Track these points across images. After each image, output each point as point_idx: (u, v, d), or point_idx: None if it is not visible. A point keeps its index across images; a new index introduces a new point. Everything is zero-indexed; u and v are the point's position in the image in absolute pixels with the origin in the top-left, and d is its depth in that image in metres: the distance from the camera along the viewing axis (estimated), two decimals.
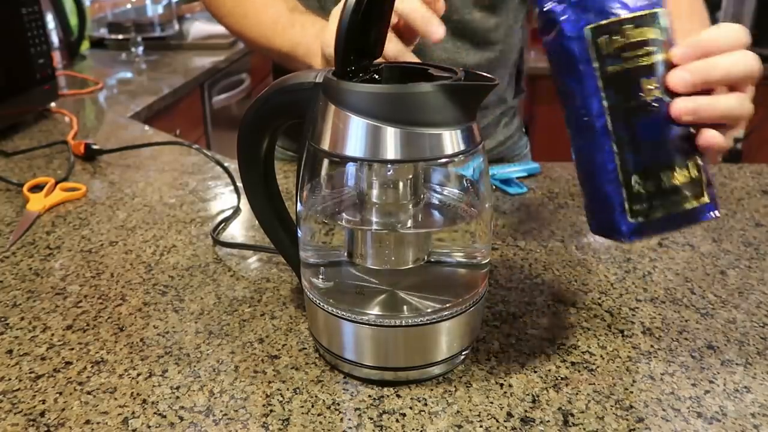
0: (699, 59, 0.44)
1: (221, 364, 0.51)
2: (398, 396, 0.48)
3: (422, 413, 0.46)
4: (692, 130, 0.45)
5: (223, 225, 0.76)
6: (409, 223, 0.49)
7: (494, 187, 0.86)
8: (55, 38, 1.79)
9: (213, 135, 2.01)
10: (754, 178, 0.90)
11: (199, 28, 2.23)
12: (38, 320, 0.57)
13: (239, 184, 0.83)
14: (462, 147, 0.44)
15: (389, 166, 0.47)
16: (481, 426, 0.45)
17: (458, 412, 0.46)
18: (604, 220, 0.46)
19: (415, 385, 0.49)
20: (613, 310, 0.59)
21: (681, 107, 0.43)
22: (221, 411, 0.46)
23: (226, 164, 0.89)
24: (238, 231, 0.76)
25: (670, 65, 0.44)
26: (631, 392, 0.48)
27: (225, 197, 0.84)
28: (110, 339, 0.55)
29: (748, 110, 0.47)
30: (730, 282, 0.63)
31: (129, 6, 2.19)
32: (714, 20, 2.44)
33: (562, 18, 0.43)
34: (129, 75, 1.78)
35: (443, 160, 0.46)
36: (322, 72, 0.46)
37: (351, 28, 0.44)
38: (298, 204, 0.50)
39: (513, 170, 0.89)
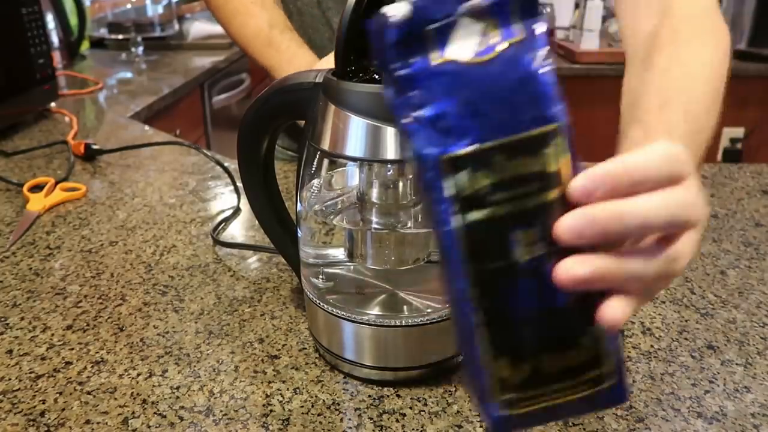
0: (606, 198, 0.29)
1: (221, 364, 0.51)
2: (398, 396, 0.48)
3: (422, 413, 0.46)
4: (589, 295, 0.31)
5: (223, 225, 0.76)
6: (409, 223, 0.49)
7: None
8: (55, 38, 1.79)
9: (213, 135, 2.00)
10: (754, 178, 0.90)
11: (199, 28, 2.23)
12: (38, 320, 0.57)
13: (239, 184, 0.83)
14: None
15: (389, 166, 0.47)
16: (481, 426, 0.45)
17: (458, 412, 0.46)
18: (475, 402, 0.34)
19: (415, 385, 0.49)
20: None
21: (568, 273, 0.29)
22: (221, 411, 0.46)
23: (226, 164, 0.89)
24: (238, 231, 0.76)
25: (560, 209, 0.29)
26: (631, 392, 0.48)
27: (225, 197, 0.84)
28: (110, 339, 0.55)
29: (681, 267, 0.32)
30: (730, 282, 0.63)
31: (129, 6, 2.19)
32: None
33: (416, 140, 0.30)
34: (129, 75, 1.78)
35: None
36: (322, 72, 0.46)
37: (351, 28, 0.44)
38: (298, 204, 0.50)
39: None
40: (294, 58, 0.76)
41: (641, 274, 0.30)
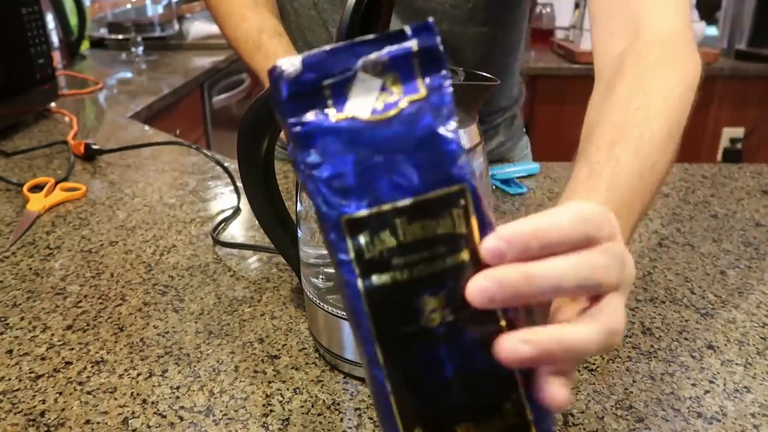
0: (518, 260, 0.28)
1: (221, 364, 0.51)
2: None
3: None
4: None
5: (223, 225, 0.76)
6: None
7: (494, 187, 0.86)
8: (55, 38, 1.79)
9: (213, 135, 2.01)
10: (754, 178, 0.90)
11: (199, 28, 2.23)
12: (38, 320, 0.57)
13: (239, 184, 0.83)
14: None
15: None
16: None
17: None
18: None
19: None
20: None
21: (513, 353, 0.27)
22: (221, 411, 0.46)
23: (226, 164, 0.89)
24: (238, 231, 0.76)
25: (472, 270, 0.28)
26: (631, 392, 0.48)
27: (225, 197, 0.84)
28: (110, 339, 0.55)
29: (616, 334, 0.30)
30: (730, 282, 0.63)
31: (129, 6, 2.19)
32: (713, 20, 2.45)
33: (315, 199, 0.28)
34: (129, 75, 1.78)
35: None
36: None
37: (351, 27, 0.44)
38: (298, 204, 0.50)
39: (513, 170, 0.89)
40: None
41: (584, 348, 0.29)
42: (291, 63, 0.28)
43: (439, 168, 0.28)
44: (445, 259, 0.28)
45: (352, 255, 0.28)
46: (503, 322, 0.28)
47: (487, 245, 0.28)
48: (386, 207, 0.28)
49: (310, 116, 0.28)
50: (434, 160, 0.28)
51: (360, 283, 0.28)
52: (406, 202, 0.28)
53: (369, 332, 0.29)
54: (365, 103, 0.28)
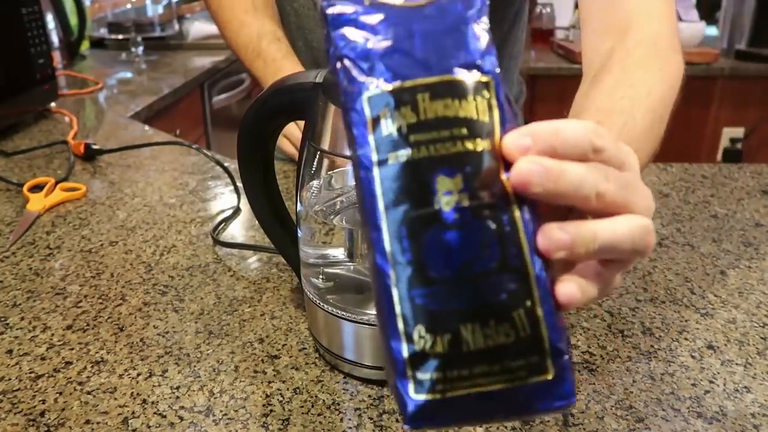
0: (543, 155, 0.28)
1: (221, 364, 0.51)
2: None
3: None
4: (526, 256, 0.27)
5: (223, 225, 0.76)
6: None
7: None
8: (55, 38, 1.79)
9: (213, 135, 2.01)
10: (754, 178, 0.90)
11: (199, 28, 2.23)
12: (38, 320, 0.57)
13: (239, 184, 0.83)
14: None
15: None
16: (481, 426, 0.45)
17: None
18: (390, 384, 0.28)
19: None
20: (613, 310, 0.59)
21: (550, 239, 0.27)
22: (221, 411, 0.46)
23: (226, 164, 0.89)
24: (238, 231, 0.76)
25: (490, 162, 0.28)
26: (631, 392, 0.48)
27: (225, 197, 0.84)
28: (110, 339, 0.55)
29: (648, 235, 0.30)
30: (730, 282, 0.63)
31: (129, 6, 2.19)
32: (714, 20, 2.45)
33: (341, 79, 0.29)
34: (129, 75, 1.78)
35: None
36: (322, 72, 0.46)
37: None
38: (298, 204, 0.50)
39: None
40: (278, 72, 0.77)
41: (618, 241, 0.29)
42: None
43: (466, 54, 0.29)
44: (465, 142, 0.28)
45: (370, 133, 0.28)
46: (519, 222, 0.28)
47: (513, 138, 0.28)
48: (408, 83, 0.28)
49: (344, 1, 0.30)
50: (462, 47, 0.29)
51: (374, 157, 0.28)
52: (429, 79, 0.28)
53: (378, 215, 0.27)
54: None
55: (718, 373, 0.50)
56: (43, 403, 0.47)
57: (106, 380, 0.50)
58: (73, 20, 1.88)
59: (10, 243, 0.72)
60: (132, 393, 0.48)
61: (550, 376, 0.27)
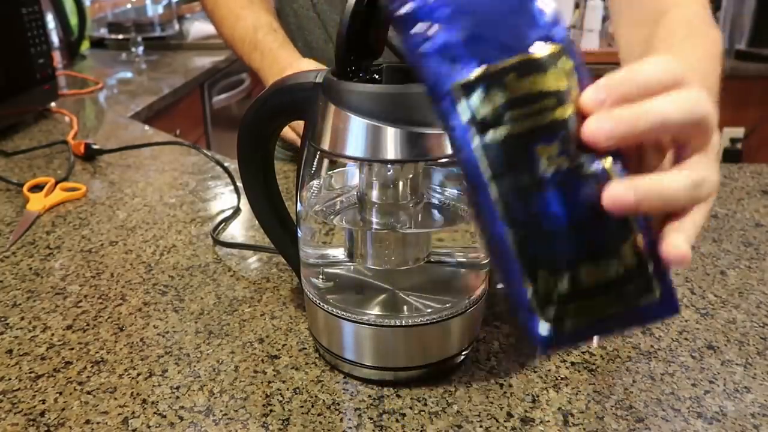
0: (618, 105, 0.30)
1: (221, 364, 0.51)
2: (398, 396, 0.48)
3: (422, 413, 0.46)
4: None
5: (223, 225, 0.76)
6: (409, 223, 0.49)
7: None
8: (55, 38, 1.79)
9: (213, 135, 2.01)
10: (754, 178, 0.90)
11: (199, 28, 2.23)
12: (38, 320, 0.57)
13: (239, 184, 0.83)
14: None
15: (389, 166, 0.47)
16: (481, 426, 0.45)
17: (458, 412, 0.46)
18: (521, 322, 0.33)
19: (415, 385, 0.49)
20: None
21: (614, 199, 0.30)
22: (221, 411, 0.46)
23: (226, 164, 0.89)
24: (238, 231, 0.76)
25: (577, 123, 0.31)
26: (631, 392, 0.48)
27: (225, 197, 0.84)
28: (110, 339, 0.55)
29: (706, 192, 0.32)
30: (730, 282, 0.63)
31: (129, 6, 2.19)
32: (714, 20, 2.45)
33: (426, 74, 0.31)
34: (129, 75, 1.78)
35: (443, 160, 0.46)
36: (322, 72, 0.46)
37: (351, 27, 0.44)
38: (298, 204, 0.50)
39: None
40: (274, 63, 0.77)
41: (674, 195, 0.31)
42: None
43: (538, 30, 0.31)
44: (554, 111, 0.31)
45: (465, 117, 0.31)
46: (613, 172, 0.31)
47: (587, 94, 0.31)
48: (493, 68, 0.31)
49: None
50: (533, 23, 0.31)
51: (477, 141, 0.31)
52: (513, 60, 0.31)
53: (487, 188, 0.31)
54: None
55: (718, 373, 0.50)
56: (43, 403, 0.47)
57: (106, 380, 0.50)
58: (73, 20, 1.88)
59: (10, 243, 0.72)
60: (132, 393, 0.48)
61: (657, 295, 0.32)
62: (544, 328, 0.32)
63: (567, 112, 0.31)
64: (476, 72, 0.31)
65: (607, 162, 0.31)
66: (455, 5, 0.32)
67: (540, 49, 0.31)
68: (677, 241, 0.31)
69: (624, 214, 0.31)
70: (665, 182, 0.31)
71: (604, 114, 0.30)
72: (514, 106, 0.31)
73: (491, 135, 0.31)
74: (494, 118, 0.31)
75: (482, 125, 0.31)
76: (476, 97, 0.31)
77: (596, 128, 0.30)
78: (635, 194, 0.30)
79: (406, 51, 0.32)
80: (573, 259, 0.31)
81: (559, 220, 0.31)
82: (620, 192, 0.30)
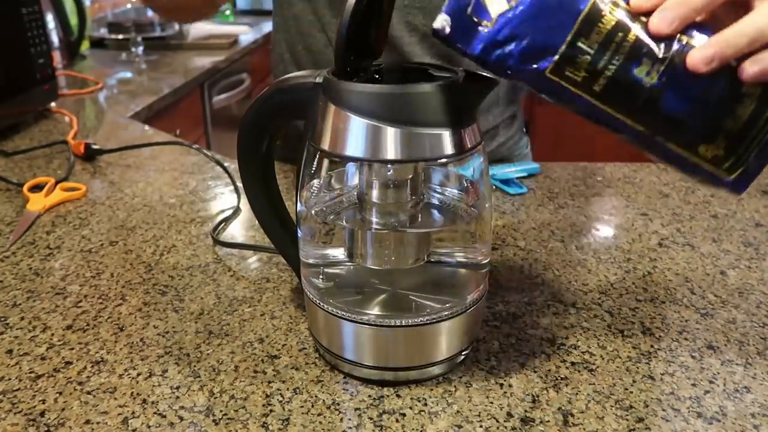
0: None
1: (221, 364, 0.51)
2: (398, 396, 0.48)
3: (422, 413, 0.46)
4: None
5: (223, 225, 0.76)
6: (409, 223, 0.49)
7: (494, 187, 0.86)
8: (55, 38, 1.80)
9: (213, 135, 2.01)
10: None
11: (199, 28, 2.23)
12: (38, 320, 0.57)
13: (239, 184, 0.83)
14: (462, 147, 0.44)
15: (389, 166, 0.47)
16: (481, 426, 0.45)
17: (458, 412, 0.46)
18: (712, 187, 0.43)
19: (415, 385, 0.49)
20: (613, 310, 0.59)
21: (696, 61, 0.37)
22: (221, 411, 0.46)
23: (226, 164, 0.89)
24: (238, 231, 0.76)
25: (644, 31, 0.39)
26: (631, 392, 0.48)
27: (225, 197, 0.84)
28: (110, 339, 0.55)
29: None
30: (730, 282, 0.63)
31: (129, 6, 2.19)
32: None
33: (519, 75, 0.40)
34: (129, 75, 1.78)
35: (443, 160, 0.46)
36: (322, 72, 0.46)
37: (351, 27, 0.44)
38: (298, 204, 0.50)
39: (513, 170, 0.89)
40: None
41: (761, 30, 0.37)
42: (442, 20, 0.42)
43: (577, 7, 0.39)
44: (626, 39, 0.38)
45: (570, 85, 0.39)
46: (695, 42, 0.39)
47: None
48: (562, 44, 0.39)
49: (477, 35, 0.41)
50: (573, 5, 0.39)
51: (589, 98, 0.40)
52: (571, 32, 0.38)
53: (619, 122, 0.40)
54: (498, 3, 0.40)
55: (718, 373, 0.50)
56: (43, 403, 0.47)
57: (106, 380, 0.50)
58: (73, 20, 1.88)
59: (10, 243, 0.72)
60: (132, 393, 0.48)
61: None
62: (729, 177, 0.41)
63: (634, 32, 0.38)
64: (557, 54, 0.39)
65: (684, 39, 0.38)
66: (508, 19, 0.39)
67: (584, 10, 0.38)
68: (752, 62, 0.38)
69: (710, 69, 0.37)
70: (741, 24, 0.37)
71: (660, 10, 0.37)
72: (600, 55, 0.38)
73: (597, 85, 0.39)
74: (591, 74, 0.39)
75: (586, 84, 0.39)
76: (568, 71, 0.39)
77: (660, 22, 0.37)
78: (715, 45, 0.37)
79: (500, 74, 0.41)
80: (716, 124, 0.39)
81: (686, 107, 0.39)
82: (697, 52, 0.37)
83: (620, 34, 0.38)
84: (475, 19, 0.40)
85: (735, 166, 0.40)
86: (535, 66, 0.39)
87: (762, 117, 0.39)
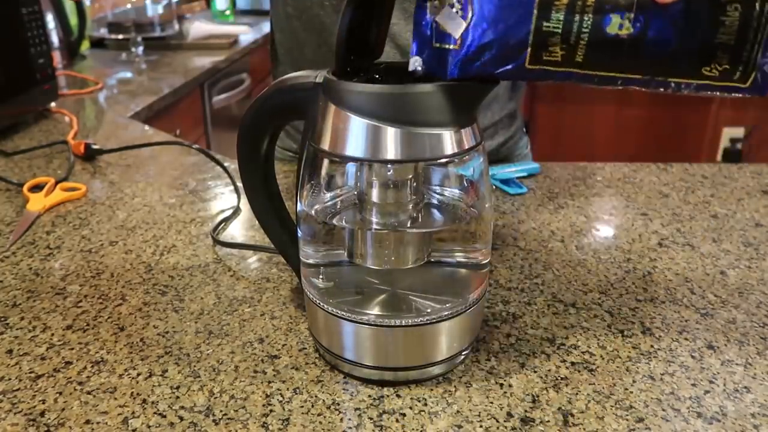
0: None
1: (221, 364, 0.51)
2: (398, 396, 0.48)
3: (422, 413, 0.46)
4: None
5: (223, 225, 0.76)
6: (409, 223, 0.49)
7: (494, 187, 0.86)
8: (55, 38, 1.80)
9: (213, 135, 2.01)
10: (754, 178, 0.90)
11: (199, 28, 2.23)
12: (38, 320, 0.57)
13: (239, 184, 0.83)
14: (462, 147, 0.44)
15: (389, 166, 0.47)
16: (481, 426, 0.45)
17: (458, 412, 0.46)
18: (736, 95, 0.41)
19: (415, 385, 0.49)
20: (613, 310, 0.59)
21: None
22: (221, 411, 0.46)
23: (226, 164, 0.89)
24: (238, 231, 0.76)
25: None
26: (631, 392, 0.48)
27: (225, 197, 0.84)
28: (110, 339, 0.55)
29: None
30: (730, 282, 0.63)
31: (129, 6, 2.19)
32: None
33: (503, 76, 0.41)
34: (129, 75, 1.78)
35: (443, 160, 0.46)
36: (322, 72, 0.46)
37: (351, 27, 0.44)
38: (298, 204, 0.50)
39: (513, 170, 0.89)
40: None
41: None
42: (413, 62, 0.44)
43: None
44: (585, 5, 0.37)
45: (553, 67, 0.40)
46: None
47: None
48: (530, 35, 0.39)
49: (450, 60, 0.42)
50: None
51: (576, 70, 0.39)
52: (533, 22, 0.38)
53: (614, 77, 0.40)
54: (455, 23, 0.41)
55: (718, 373, 0.50)
56: (43, 403, 0.47)
57: (106, 380, 0.50)
58: (73, 20, 1.88)
59: (10, 243, 0.72)
60: (132, 393, 0.48)
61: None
62: (744, 85, 0.39)
63: None
64: (530, 43, 0.39)
65: None
66: (476, 36, 0.40)
67: None
68: None
69: None
70: None
71: None
72: (568, 31, 0.38)
73: (579, 58, 0.39)
74: (567, 51, 0.39)
75: (569, 61, 0.39)
76: (545, 55, 0.39)
77: None
78: None
79: (479, 81, 0.42)
80: (707, 45, 0.38)
81: (670, 43, 0.38)
82: None
83: (579, 2, 0.38)
84: (443, 47, 0.42)
85: (745, 73, 0.39)
86: (513, 64, 0.40)
87: (752, 18, 0.37)
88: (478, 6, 0.40)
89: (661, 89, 0.41)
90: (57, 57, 1.77)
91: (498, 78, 0.42)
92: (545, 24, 0.38)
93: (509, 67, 0.40)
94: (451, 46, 0.42)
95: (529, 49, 0.39)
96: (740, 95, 0.41)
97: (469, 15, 0.40)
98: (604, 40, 0.38)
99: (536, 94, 2.30)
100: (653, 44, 0.38)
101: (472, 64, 0.41)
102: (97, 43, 2.15)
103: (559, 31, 0.38)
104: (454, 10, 0.41)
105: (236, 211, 0.79)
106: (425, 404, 0.47)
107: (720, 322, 0.57)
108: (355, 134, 0.43)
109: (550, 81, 0.42)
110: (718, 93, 0.40)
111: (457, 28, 0.41)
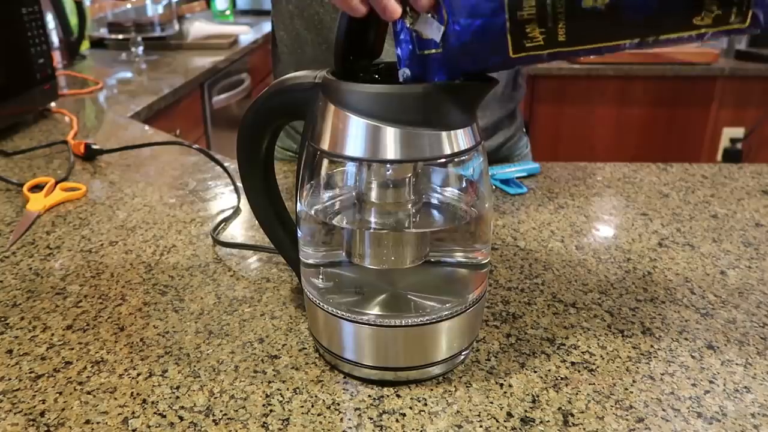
0: None
1: (221, 364, 0.51)
2: (398, 396, 0.48)
3: (422, 413, 0.46)
4: None
5: (223, 225, 0.76)
6: (409, 223, 0.49)
7: (494, 187, 0.86)
8: (55, 38, 1.80)
9: (213, 135, 2.01)
10: (754, 178, 0.90)
11: (199, 28, 2.23)
12: (38, 320, 0.57)
13: (239, 184, 0.83)
14: (462, 147, 0.44)
15: (389, 166, 0.47)
16: (481, 426, 0.45)
17: (458, 412, 0.46)
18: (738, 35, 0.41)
19: (415, 385, 0.49)
20: (613, 310, 0.59)
21: None
22: (221, 411, 0.46)
23: (226, 164, 0.89)
24: (238, 231, 0.76)
25: None
26: (631, 392, 0.48)
27: (225, 197, 0.84)
28: (110, 339, 0.55)
29: None
30: (730, 282, 0.63)
31: (129, 6, 2.19)
32: None
33: (492, 69, 0.43)
34: (129, 75, 1.78)
35: (443, 160, 0.46)
36: (322, 72, 0.46)
37: (350, 27, 0.44)
38: (298, 204, 0.50)
39: (513, 170, 0.89)
40: None
41: None
42: (402, 73, 0.44)
43: None
44: None
45: (539, 51, 0.39)
46: None
47: None
48: (507, 24, 0.39)
49: (435, 64, 0.43)
50: None
51: (561, 49, 0.39)
52: (506, 12, 0.38)
53: (603, 47, 0.39)
54: (432, 29, 0.41)
55: (718, 373, 0.50)
56: (43, 403, 0.47)
57: (106, 380, 0.50)
58: (73, 20, 1.88)
59: (10, 243, 0.72)
60: (132, 393, 0.48)
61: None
62: (743, 26, 0.37)
63: None
64: (508, 32, 0.39)
65: None
66: (456, 35, 0.40)
67: None
68: None
69: None
70: None
71: None
72: (544, 15, 0.38)
73: (562, 37, 0.38)
74: (548, 33, 0.38)
75: (552, 42, 0.39)
76: (526, 41, 0.39)
77: None
78: None
79: (471, 77, 0.43)
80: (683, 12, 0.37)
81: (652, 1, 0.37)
82: None
83: None
84: (427, 53, 0.42)
85: (740, 13, 0.37)
86: (498, 57, 0.40)
87: None
88: (450, 7, 0.40)
89: (660, 47, 0.40)
90: (57, 57, 1.77)
91: (488, 72, 0.42)
92: (519, 13, 0.38)
93: (494, 59, 0.41)
94: (434, 51, 0.42)
95: (508, 38, 0.39)
96: (744, 35, 0.40)
97: (445, 17, 0.40)
98: (582, 15, 0.37)
99: (536, 94, 2.30)
100: (633, 8, 0.37)
101: (458, 62, 0.41)
102: (97, 43, 2.15)
103: (534, 15, 0.38)
104: (429, 15, 0.41)
105: (236, 211, 0.79)
106: (425, 404, 0.47)
107: (720, 322, 0.57)
108: (355, 134, 0.43)
109: (544, 62, 0.42)
110: (719, 37, 0.39)
111: (437, 32, 0.41)
